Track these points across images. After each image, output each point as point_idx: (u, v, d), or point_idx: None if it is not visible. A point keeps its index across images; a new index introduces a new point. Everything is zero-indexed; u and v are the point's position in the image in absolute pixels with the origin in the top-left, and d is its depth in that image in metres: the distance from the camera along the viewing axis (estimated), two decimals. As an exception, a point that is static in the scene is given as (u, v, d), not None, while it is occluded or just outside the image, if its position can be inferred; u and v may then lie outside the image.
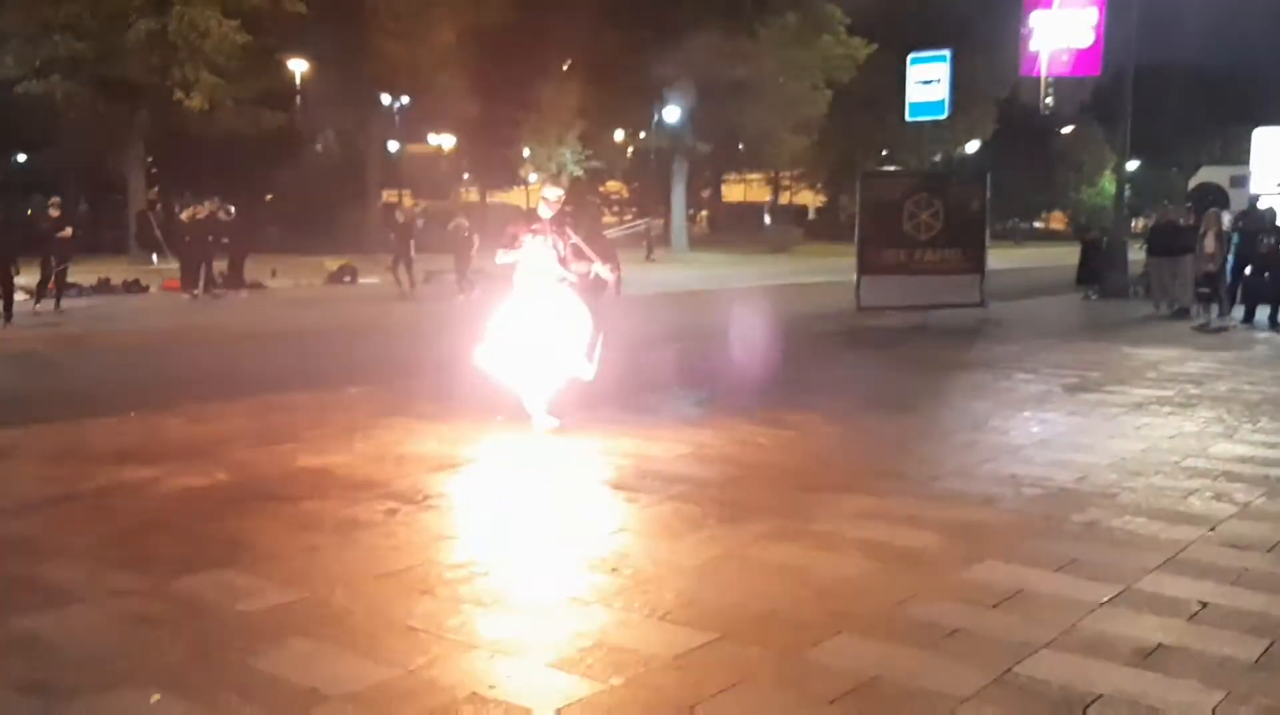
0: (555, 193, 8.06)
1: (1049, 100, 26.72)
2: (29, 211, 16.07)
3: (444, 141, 62.63)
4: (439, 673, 3.68)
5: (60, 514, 5.66)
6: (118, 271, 22.72)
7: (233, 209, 20.38)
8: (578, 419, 7.80)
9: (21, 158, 44.49)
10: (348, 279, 24.65)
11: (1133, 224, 42.06)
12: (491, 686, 3.57)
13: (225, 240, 20.65)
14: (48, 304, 16.62)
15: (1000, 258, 23.95)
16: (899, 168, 41.19)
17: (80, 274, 19.74)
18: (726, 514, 5.64)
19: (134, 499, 5.94)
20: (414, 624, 4.10)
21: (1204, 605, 4.33)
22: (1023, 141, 56.19)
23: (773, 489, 6.15)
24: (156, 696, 3.50)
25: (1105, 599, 4.37)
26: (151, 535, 5.25)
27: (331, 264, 25.53)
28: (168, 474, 6.39)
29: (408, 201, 34.21)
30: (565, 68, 42.44)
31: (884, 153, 53.92)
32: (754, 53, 37.96)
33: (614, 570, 4.73)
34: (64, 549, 5.02)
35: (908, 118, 19.97)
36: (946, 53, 19.28)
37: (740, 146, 47.92)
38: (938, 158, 55.10)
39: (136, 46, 26.25)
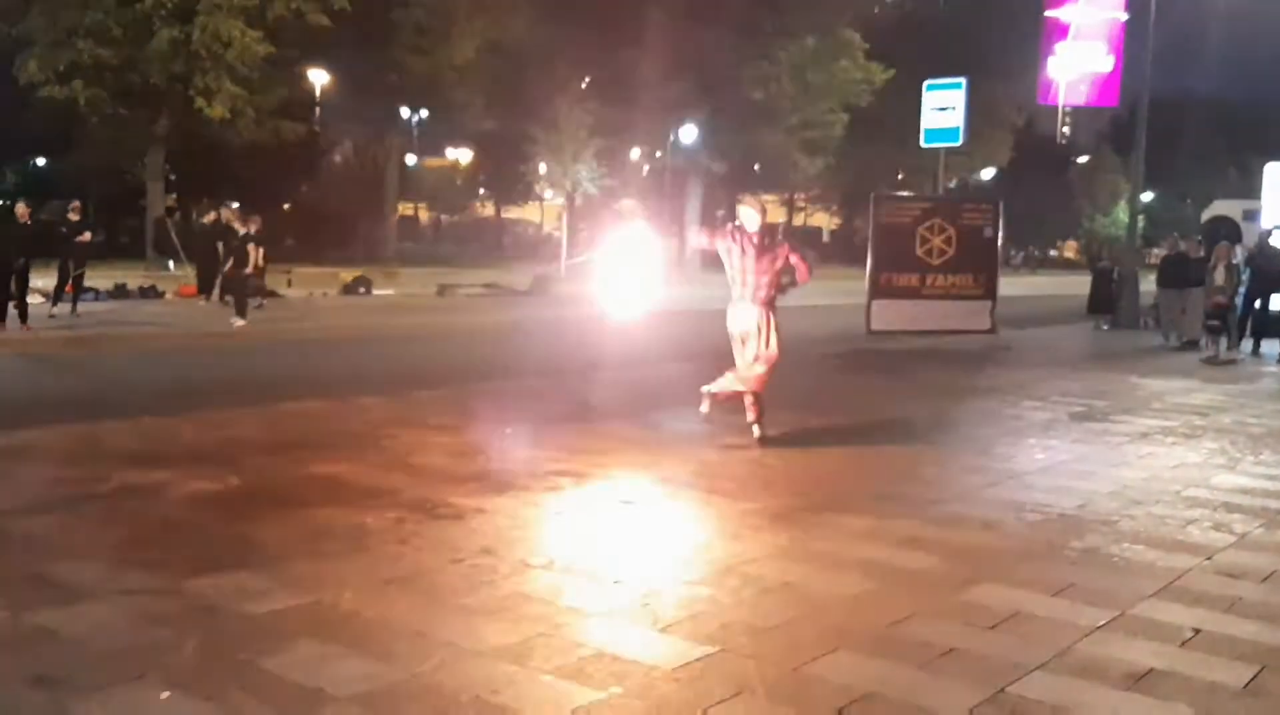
0: (751, 214, 8.25)
1: (1066, 129, 26.86)
2: (42, 216, 16.19)
3: (461, 155, 63.04)
4: (444, 677, 3.76)
5: (75, 514, 5.76)
6: (134, 277, 22.92)
7: (253, 219, 20.47)
8: (582, 436, 7.88)
9: (41, 161, 44.92)
10: (362, 290, 24.82)
11: (1147, 255, 42.09)
12: (494, 692, 3.65)
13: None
14: (64, 307, 16.78)
15: (1013, 285, 24.03)
16: (913, 192, 41.33)
17: (97, 278, 19.92)
18: (729, 530, 5.72)
19: (147, 501, 6.05)
20: (420, 629, 4.18)
21: (1197, 631, 4.39)
22: (1039, 169, 56.35)
23: (775, 509, 6.22)
24: (166, 694, 3.58)
25: (1100, 623, 4.43)
26: (164, 536, 5.35)
27: (346, 275, 25.73)
28: (180, 477, 6.50)
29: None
30: (583, 85, 42.71)
31: (900, 176, 54.06)
32: (772, 75, 38.19)
33: (616, 582, 4.81)
34: (78, 548, 5.11)
35: (923, 143, 20.12)
36: (962, 80, 19.41)
37: (756, 167, 48.15)
38: (953, 183, 55.22)
39: (159, 54, 26.54)
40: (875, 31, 42.22)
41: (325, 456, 7.23)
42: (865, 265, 16.71)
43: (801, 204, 69.70)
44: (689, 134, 40.59)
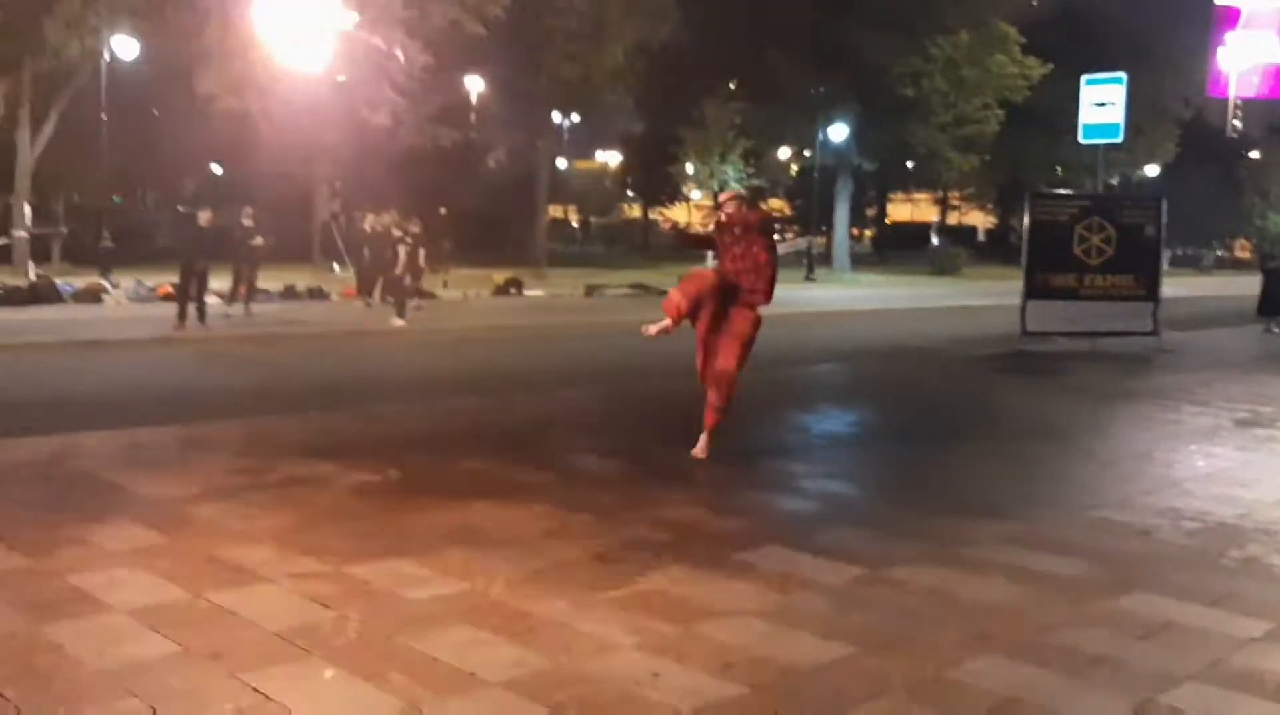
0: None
1: (1237, 123, 25.56)
2: (219, 221, 17.08)
3: (610, 158, 63.85)
4: (590, 667, 3.89)
5: (247, 502, 6.14)
6: (302, 278, 24.03)
7: (411, 222, 21.16)
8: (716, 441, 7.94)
9: (218, 169, 47.41)
10: (513, 291, 25.44)
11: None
12: (637, 683, 3.76)
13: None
14: (238, 307, 17.71)
15: (1179, 285, 23.00)
16: (1071, 189, 39.93)
17: (268, 280, 20.97)
18: (871, 535, 5.71)
19: (313, 490, 6.39)
20: (565, 620, 4.33)
21: (1365, 648, 4.19)
22: (1207, 165, 53.64)
23: (921, 512, 6.16)
24: (330, 672, 3.81)
25: (1257, 635, 4.28)
26: (328, 524, 5.66)
27: (498, 276, 26.41)
28: (343, 469, 6.84)
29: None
30: (731, 86, 42.76)
31: (1058, 173, 52.31)
32: (924, 71, 37.49)
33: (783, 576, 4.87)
34: (251, 533, 5.45)
35: (1081, 140, 19.43)
36: (1122, 75, 18.66)
37: (908, 165, 47.32)
38: (1115, 180, 53.12)
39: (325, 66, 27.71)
40: (1032, 24, 40.95)
41: (477, 451, 7.51)
42: (1020, 264, 16.29)
43: (956, 203, 68.12)
44: (838, 132, 40.15)
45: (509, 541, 5.39)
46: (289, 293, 21.81)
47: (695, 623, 4.33)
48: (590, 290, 26.36)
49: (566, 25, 33.70)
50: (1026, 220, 16.07)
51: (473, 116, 40.76)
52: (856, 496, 6.68)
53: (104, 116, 24.70)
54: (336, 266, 27.55)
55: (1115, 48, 40.95)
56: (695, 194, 54.31)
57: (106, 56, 25.05)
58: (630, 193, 67.97)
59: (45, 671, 3.76)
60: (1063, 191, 37.63)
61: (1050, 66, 38.80)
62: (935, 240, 60.66)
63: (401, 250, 18.33)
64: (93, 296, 19.35)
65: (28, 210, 25.85)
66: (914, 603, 4.63)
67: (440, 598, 4.56)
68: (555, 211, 61.54)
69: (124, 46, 25.70)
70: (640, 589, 4.73)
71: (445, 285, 24.63)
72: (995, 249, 58.92)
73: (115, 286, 20.43)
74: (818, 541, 5.49)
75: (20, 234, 25.43)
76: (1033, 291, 15.71)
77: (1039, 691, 3.73)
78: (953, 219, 70.09)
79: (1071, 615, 4.48)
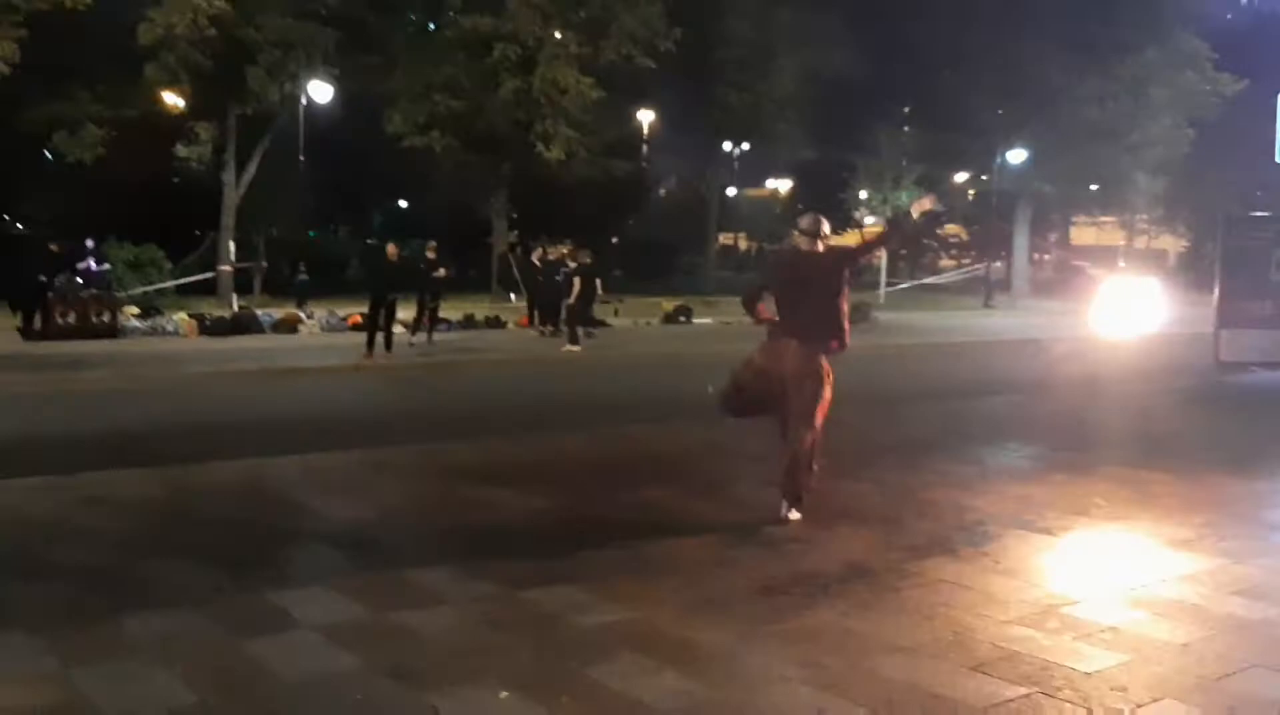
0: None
1: None
2: (404, 253, 17.78)
3: (780, 185, 63.72)
4: (755, 700, 3.91)
5: (427, 525, 6.41)
6: (481, 308, 24.83)
7: (583, 252, 21.59)
8: (892, 466, 7.83)
9: (403, 203, 49.59)
10: (682, 318, 25.62)
11: None
12: (802, 716, 3.76)
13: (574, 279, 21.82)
14: (422, 336, 18.43)
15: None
16: (1271, 212, 37.57)
17: (449, 310, 21.73)
18: (1054, 569, 5.53)
19: (489, 515, 6.62)
20: (732, 651, 4.36)
21: None
22: None
23: (1103, 548, 5.93)
24: (505, 694, 3.95)
25: None
26: (503, 548, 5.85)
27: (668, 304, 26.65)
28: (518, 495, 7.06)
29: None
30: (905, 111, 42.11)
31: (1258, 194, 49.36)
32: (1108, 91, 36.06)
33: (928, 618, 4.78)
34: (430, 556, 5.69)
35: (1277, 159, 18.32)
36: (1322, 90, 17.59)
37: (1092, 188, 45.52)
38: (1322, 200, 49.74)
39: (504, 103, 28.72)
40: (1225, 39, 38.86)
41: (647, 479, 7.62)
42: (1213, 291, 15.48)
43: (1143, 226, 65.09)
44: (1017, 156, 38.98)
45: (677, 570, 5.46)
46: (468, 322, 22.54)
47: (862, 658, 4.29)
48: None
49: (736, 55, 33.92)
50: (1221, 244, 15.29)
51: (644, 147, 41.42)
52: (1026, 530, 6.46)
53: (301, 157, 26.18)
54: (513, 296, 28.34)
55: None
56: (869, 220, 53.62)
57: (304, 100, 26.59)
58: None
59: (245, 683, 4.03)
60: (1260, 213, 35.53)
61: (1245, 82, 36.74)
62: (1123, 265, 58.09)
63: (576, 279, 18.83)
64: (289, 326, 20.46)
65: (231, 246, 27.62)
66: (1092, 643, 4.46)
67: (609, 625, 4.65)
68: (726, 238, 61.79)
69: (319, 90, 27.23)
70: (807, 622, 4.72)
71: (616, 313, 25.02)
72: (1187, 273, 55.98)
73: (310, 316, 21.56)
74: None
75: (225, 268, 27.16)
76: (1227, 319, 14.91)
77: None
78: (1141, 243, 66.99)
79: (1258, 660, 4.26)
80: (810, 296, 6.35)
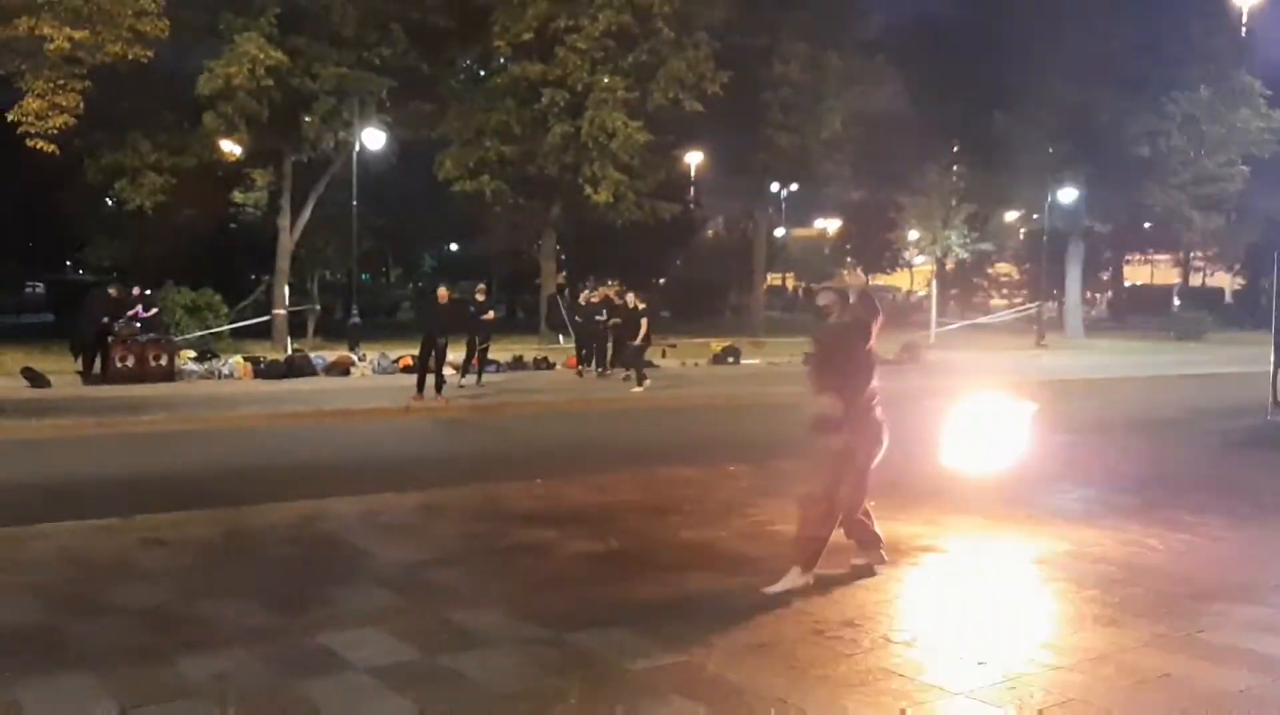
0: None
1: None
2: (455, 295, 17.96)
3: (829, 225, 63.75)
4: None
5: (477, 567, 6.46)
6: (529, 349, 25.00)
7: (629, 295, 21.67)
8: (945, 510, 7.77)
9: (454, 246, 50.26)
10: (730, 360, 25.60)
11: None
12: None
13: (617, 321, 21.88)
14: (471, 378, 18.59)
15: None
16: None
17: (498, 351, 21.91)
18: (1106, 616, 5.45)
19: (538, 557, 6.66)
20: (782, 695, 4.35)
21: None
22: None
23: (1158, 594, 5.84)
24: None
25: None
26: (552, 591, 5.88)
27: (716, 345, 26.66)
28: (567, 537, 7.09)
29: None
30: (954, 150, 42.02)
31: (1315, 230, 48.55)
32: (1160, 129, 35.77)
33: (980, 663, 4.74)
34: (479, 598, 5.73)
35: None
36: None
37: (1145, 226, 45.05)
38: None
39: (553, 148, 29.07)
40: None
41: (695, 522, 7.63)
42: (1271, 329, 15.22)
43: (1199, 263, 64.20)
44: (1068, 194, 38.70)
45: (726, 614, 5.45)
46: (517, 363, 22.70)
47: (918, 704, 4.26)
48: (808, 358, 26.16)
49: (783, 97, 34.07)
50: (1277, 281, 15.04)
51: (691, 189, 41.65)
52: (1078, 575, 6.37)
53: (354, 202, 26.63)
54: (561, 337, 28.53)
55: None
56: (918, 259, 53.36)
57: (357, 147, 27.09)
58: (850, 259, 67.55)
59: (298, 723, 4.09)
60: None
61: (1302, 118, 36.31)
62: (1178, 303, 57.28)
63: (643, 321, 19.36)
64: (342, 368, 20.72)
65: (286, 290, 28.06)
66: (1145, 691, 4.39)
67: (658, 669, 4.66)
68: (774, 279, 61.83)
69: (372, 137, 27.74)
70: (859, 666, 4.69)
71: (664, 354, 25.07)
72: (1244, 311, 55.06)
73: (362, 358, 21.82)
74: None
75: (279, 312, 27.62)
76: (1286, 358, 14.62)
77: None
78: (1196, 280, 66.07)
79: (1330, 715, 4.16)
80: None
